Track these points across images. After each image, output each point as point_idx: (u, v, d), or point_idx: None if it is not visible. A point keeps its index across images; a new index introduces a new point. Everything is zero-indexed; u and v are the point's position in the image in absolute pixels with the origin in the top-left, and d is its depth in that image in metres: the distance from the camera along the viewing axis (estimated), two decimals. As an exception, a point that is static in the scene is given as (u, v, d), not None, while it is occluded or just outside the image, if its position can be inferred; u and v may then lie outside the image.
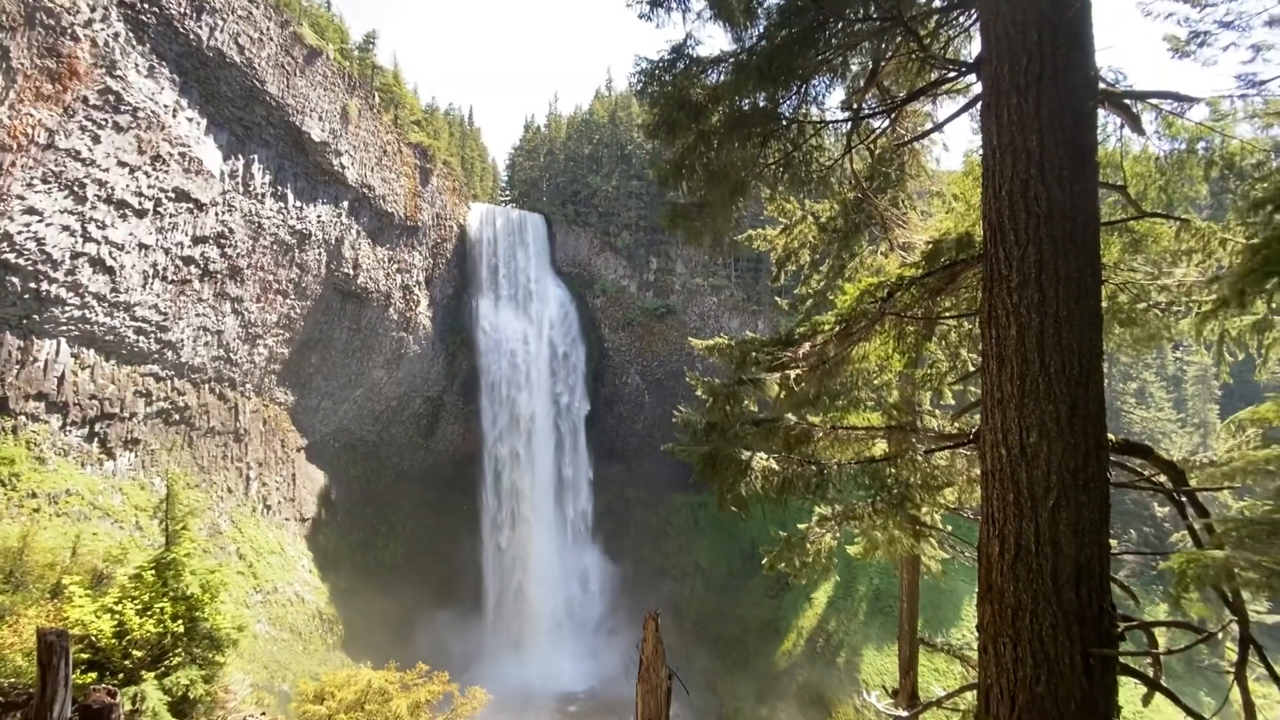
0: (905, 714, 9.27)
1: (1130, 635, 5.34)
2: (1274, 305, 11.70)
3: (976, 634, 5.32)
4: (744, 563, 46.39)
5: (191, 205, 28.08)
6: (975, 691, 9.26)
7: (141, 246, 26.44)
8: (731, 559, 47.93)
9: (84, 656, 8.36)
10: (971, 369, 8.25)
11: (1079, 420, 4.84)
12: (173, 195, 27.10)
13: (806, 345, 6.02)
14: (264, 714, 8.94)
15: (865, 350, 6.37)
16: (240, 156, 30.42)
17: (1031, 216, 5.02)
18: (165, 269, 27.77)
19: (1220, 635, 5.66)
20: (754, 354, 6.14)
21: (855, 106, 6.91)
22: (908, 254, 8.79)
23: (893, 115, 6.82)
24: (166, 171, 26.53)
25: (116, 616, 8.18)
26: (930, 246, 5.83)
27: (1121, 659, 5.00)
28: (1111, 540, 5.13)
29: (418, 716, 9.84)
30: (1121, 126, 5.95)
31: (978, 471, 9.47)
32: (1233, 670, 5.25)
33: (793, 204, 11.37)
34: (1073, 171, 4.99)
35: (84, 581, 8.81)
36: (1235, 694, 5.52)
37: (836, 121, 6.76)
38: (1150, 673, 5.75)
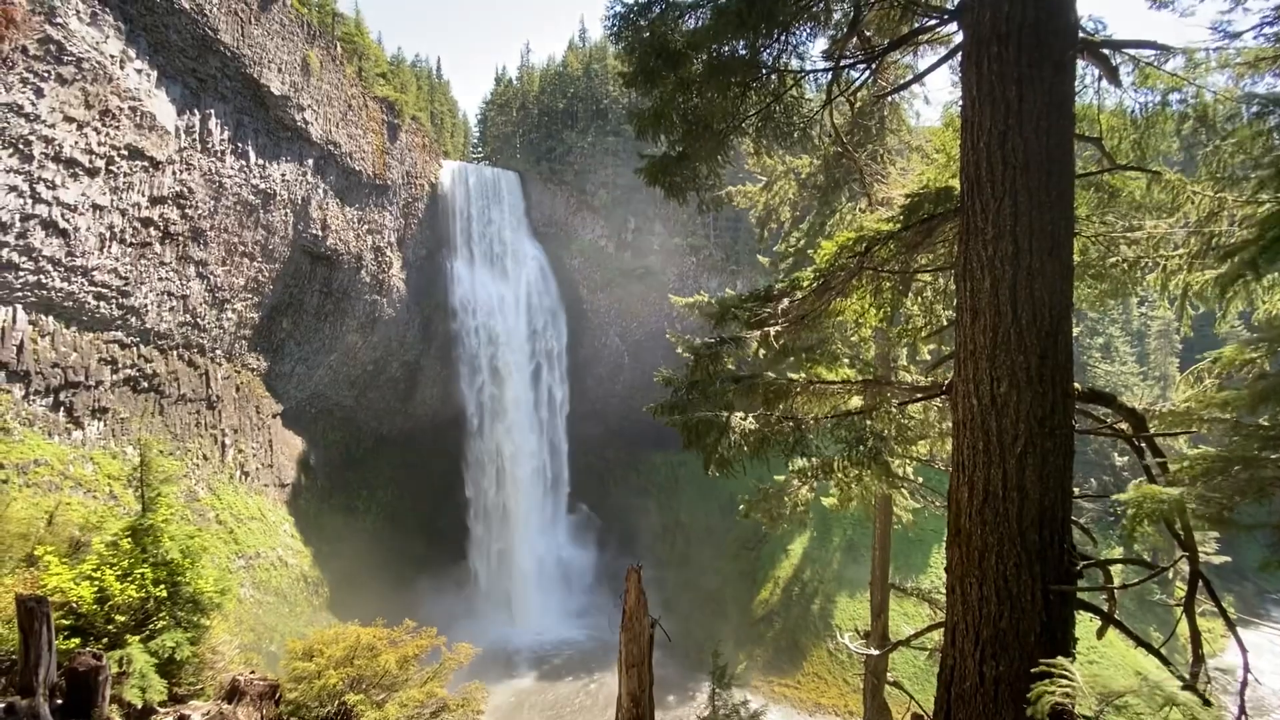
0: (876, 652, 9.75)
1: (1088, 574, 5.64)
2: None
3: (945, 576, 5.58)
4: (723, 517, 47.55)
5: (146, 163, 26.76)
6: (942, 630, 9.75)
7: (96, 208, 25.24)
8: (710, 514, 49.09)
9: (65, 623, 8.32)
10: (945, 324, 8.39)
11: (1048, 370, 4.98)
12: (125, 153, 25.77)
13: (786, 301, 6.04)
14: (253, 672, 9.06)
15: (843, 306, 6.42)
16: (196, 111, 28.92)
17: (1009, 168, 5.04)
18: (123, 231, 26.61)
19: (1170, 573, 6.00)
20: (734, 310, 6.15)
21: (836, 56, 6.78)
22: (886, 209, 8.79)
23: (874, 65, 6.71)
24: (117, 127, 25.15)
25: (96, 583, 8.13)
26: (909, 201, 5.84)
27: (1079, 595, 5.29)
28: (1074, 486, 5.36)
29: (406, 670, 10.07)
30: (1099, 78, 5.94)
31: (949, 424, 9.75)
32: (1180, 605, 5.60)
33: (773, 159, 11.25)
34: (1050, 123, 5.00)
35: (60, 550, 8.71)
36: (1182, 628, 5.90)
37: (817, 71, 6.63)
38: (1105, 608, 6.11)
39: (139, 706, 8.11)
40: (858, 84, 7.24)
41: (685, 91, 6.46)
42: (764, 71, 6.53)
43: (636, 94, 6.79)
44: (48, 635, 6.05)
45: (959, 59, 5.79)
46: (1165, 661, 5.48)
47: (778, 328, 5.96)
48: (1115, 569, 6.49)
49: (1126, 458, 48.78)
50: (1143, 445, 5.55)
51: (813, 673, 38.18)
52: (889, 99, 9.06)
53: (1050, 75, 4.98)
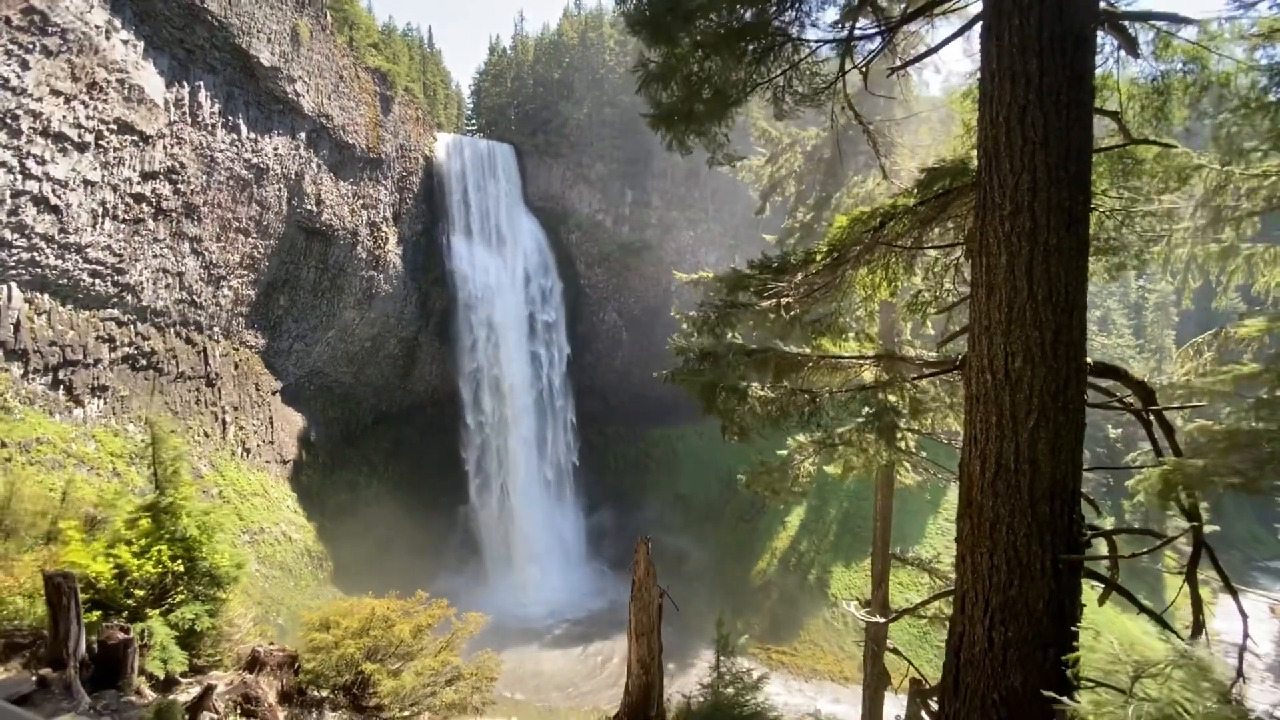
0: (882, 620, 10.01)
1: (1092, 543, 5.78)
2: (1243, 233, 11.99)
3: (956, 546, 5.70)
4: (721, 490, 48.14)
5: (136, 137, 26.28)
6: (944, 599, 9.99)
7: (87, 183, 24.87)
8: (709, 487, 49.67)
9: (85, 596, 8.46)
10: (952, 300, 8.42)
11: (1062, 346, 5.02)
12: (115, 127, 25.29)
13: (799, 274, 6.06)
14: (271, 644, 9.26)
15: (855, 280, 6.44)
16: (185, 84, 28.31)
17: (1027, 143, 5.01)
18: (115, 207, 26.26)
19: (1168, 542, 6.18)
20: (746, 280, 6.17)
21: (850, 27, 6.68)
22: (896, 182, 8.76)
23: (889, 37, 6.62)
24: (105, 100, 24.63)
25: (114, 559, 8.25)
26: (925, 174, 5.82)
27: (1085, 564, 5.42)
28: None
29: (420, 639, 10.30)
30: (1118, 48, 5.87)
31: (951, 399, 9.85)
32: (1172, 573, 5.76)
33: (778, 131, 11.12)
34: (1070, 97, 4.95)
35: (79, 527, 8.82)
36: (1171, 594, 6.08)
37: (830, 41, 6.54)
38: (1108, 575, 6.27)
39: (161, 678, 8.30)
40: (871, 56, 7.14)
41: (695, 54, 6.37)
42: (776, 39, 6.44)
43: (641, 43, 6.65)
44: (76, 610, 6.17)
45: (977, 30, 5.72)
46: (1166, 627, 5.65)
47: (789, 300, 5.98)
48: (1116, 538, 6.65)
49: (1120, 430, 49.38)
50: (1151, 418, 5.64)
51: (809, 640, 39.12)
52: (900, 72, 8.95)
53: (1071, 48, 4.92)
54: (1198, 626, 5.50)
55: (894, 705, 16.53)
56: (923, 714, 11.26)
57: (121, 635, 6.52)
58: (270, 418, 37.33)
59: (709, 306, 6.48)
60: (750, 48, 6.33)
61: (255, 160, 32.11)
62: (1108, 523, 39.11)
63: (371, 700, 9.40)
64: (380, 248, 41.56)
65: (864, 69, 7.39)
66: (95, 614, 8.26)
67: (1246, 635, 5.36)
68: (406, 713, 9.67)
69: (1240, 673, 5.40)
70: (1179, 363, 15.43)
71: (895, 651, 14.19)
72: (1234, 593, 5.19)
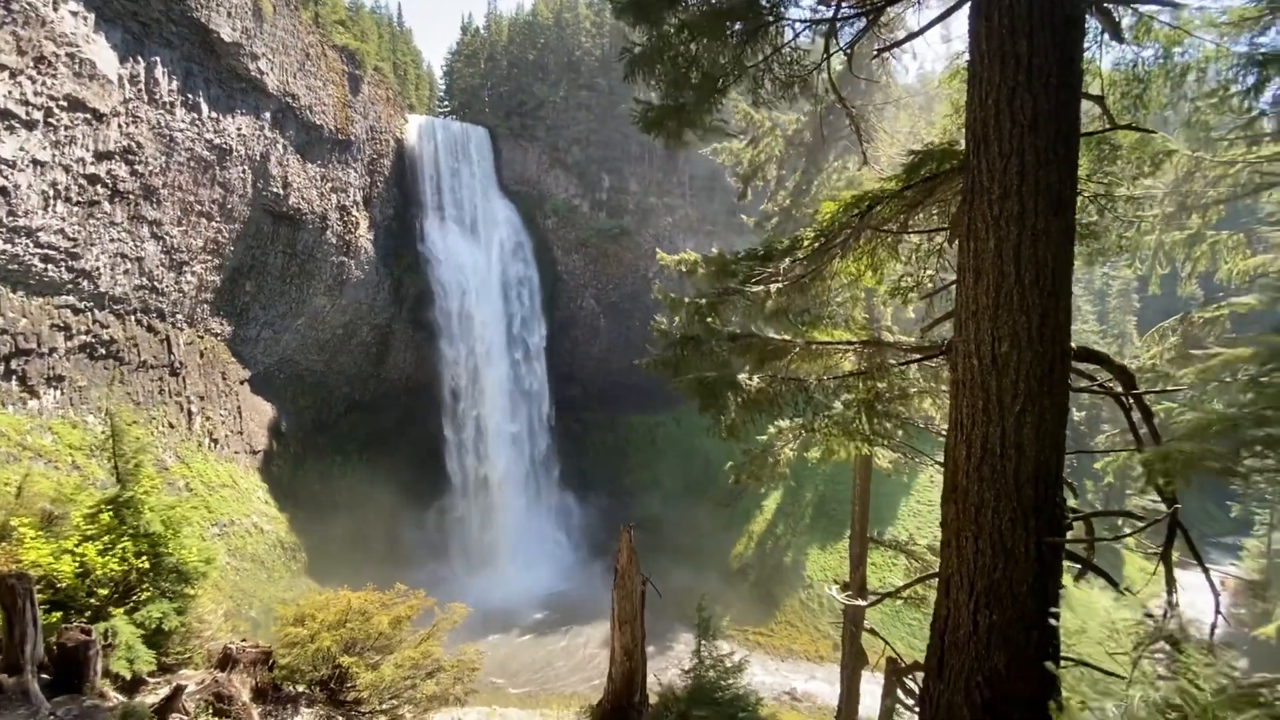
0: (864, 604, 10.14)
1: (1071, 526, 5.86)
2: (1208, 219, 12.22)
3: (941, 531, 5.73)
4: (700, 475, 48.47)
5: (89, 115, 25.04)
6: (925, 582, 10.14)
7: (36, 163, 23.64)
8: (689, 473, 49.96)
9: (44, 596, 8.08)
10: (933, 286, 8.44)
11: (1048, 330, 5.03)
12: (65, 104, 24.04)
13: (787, 260, 5.97)
14: (244, 640, 9.00)
15: (842, 267, 6.39)
16: (140, 59, 27.01)
17: (1016, 126, 4.97)
18: (68, 189, 25.05)
19: (1120, 522, 6.35)
20: (733, 267, 6.06)
21: (835, 6, 6.56)
22: (876, 168, 8.71)
23: (872, 18, 6.52)
24: (54, 76, 23.38)
25: (77, 558, 7.89)
26: (912, 158, 5.76)
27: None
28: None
29: (399, 631, 10.13)
30: (1102, 32, 5.86)
31: (931, 384, 9.93)
32: (1132, 550, 5.89)
33: (760, 114, 10.99)
34: (1060, 80, 4.91)
35: (34, 523, 8.41)
36: (1132, 570, 6.24)
37: (816, 22, 6.42)
38: (1084, 556, 6.39)
39: (128, 678, 8.01)
40: (855, 38, 7.04)
41: (681, 35, 6.21)
42: (763, 20, 6.30)
43: (627, 25, 6.50)
44: (32, 612, 5.87)
45: (963, 13, 5.65)
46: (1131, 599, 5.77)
47: (779, 286, 5.90)
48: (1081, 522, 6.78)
49: (1084, 413, 50.87)
50: (1131, 403, 5.71)
51: (785, 621, 39.82)
52: (880, 56, 8.87)
53: (1062, 29, 4.88)
54: (1171, 604, 5.63)
55: (870, 683, 16.91)
56: (898, 691, 11.49)
57: (82, 636, 6.24)
58: (238, 407, 36.36)
59: (700, 294, 6.38)
60: (735, 29, 6.19)
61: (217, 141, 30.90)
62: (1073, 503, 40.44)
63: (350, 694, 9.23)
64: (351, 233, 40.51)
65: (848, 51, 7.29)
66: (55, 615, 7.91)
67: (1219, 612, 5.52)
68: (386, 705, 9.52)
69: (1211, 648, 5.56)
70: (1145, 347, 15.83)
71: (872, 632, 14.46)
72: (1206, 571, 5.32)
